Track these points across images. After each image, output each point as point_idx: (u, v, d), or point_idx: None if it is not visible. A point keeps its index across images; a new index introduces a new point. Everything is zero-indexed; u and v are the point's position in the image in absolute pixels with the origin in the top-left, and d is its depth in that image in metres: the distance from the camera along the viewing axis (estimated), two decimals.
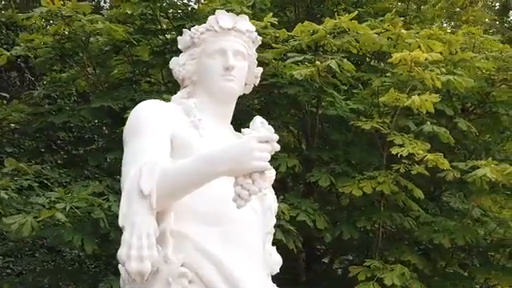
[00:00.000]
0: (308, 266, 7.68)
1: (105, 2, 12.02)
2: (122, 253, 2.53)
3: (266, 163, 2.55)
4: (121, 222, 2.58)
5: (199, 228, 2.76)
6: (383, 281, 5.81)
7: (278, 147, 2.64)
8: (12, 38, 9.28)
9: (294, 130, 7.14)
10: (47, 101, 7.47)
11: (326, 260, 8.18)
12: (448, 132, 6.13)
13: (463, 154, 7.35)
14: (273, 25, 6.11)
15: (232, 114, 3.18)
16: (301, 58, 5.77)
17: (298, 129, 7.00)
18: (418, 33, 6.45)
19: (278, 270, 3.22)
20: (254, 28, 3.21)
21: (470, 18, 8.32)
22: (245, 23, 3.16)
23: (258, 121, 2.97)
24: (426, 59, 5.88)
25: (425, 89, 6.17)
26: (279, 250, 6.02)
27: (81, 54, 6.71)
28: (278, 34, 6.01)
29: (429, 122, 6.09)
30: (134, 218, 2.55)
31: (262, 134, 2.57)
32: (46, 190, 5.85)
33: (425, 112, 5.82)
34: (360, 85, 6.81)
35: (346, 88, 6.83)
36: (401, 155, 5.73)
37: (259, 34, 5.97)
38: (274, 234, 5.60)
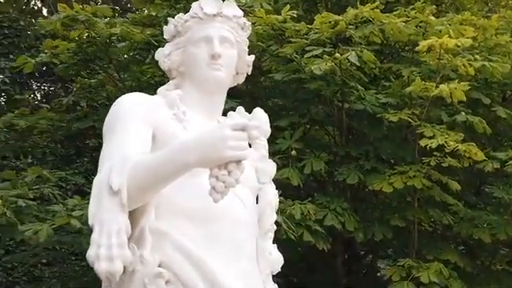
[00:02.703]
0: (349, 268, 7.43)
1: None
2: (90, 253, 2.38)
3: (241, 153, 2.36)
4: (90, 221, 2.44)
5: (181, 225, 2.59)
6: (419, 279, 5.55)
7: (256, 135, 2.45)
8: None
9: (325, 127, 6.90)
10: (89, 109, 7.44)
11: (367, 261, 7.93)
12: (484, 121, 5.81)
13: (510, 145, 7.00)
14: (293, 18, 5.91)
15: (222, 105, 2.98)
16: (319, 52, 5.54)
17: (329, 125, 6.77)
18: (449, 20, 6.16)
19: (280, 269, 3.00)
20: (241, 13, 3.00)
21: (510, 2, 7.94)
22: (231, 8, 2.96)
23: (258, 112, 2.82)
24: (456, 45, 5.58)
25: (460, 78, 5.88)
26: (314, 250, 5.88)
27: (103, 59, 6.64)
28: (298, 28, 5.80)
29: (463, 112, 5.78)
30: (104, 216, 2.40)
31: (236, 121, 2.38)
32: (71, 197, 5.81)
33: (456, 101, 5.52)
34: (392, 77, 6.55)
35: (383, 82, 6.58)
36: (433, 148, 5.46)
37: (279, 29, 5.92)
38: (301, 236, 5.50)
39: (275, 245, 2.98)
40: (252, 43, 5.78)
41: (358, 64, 5.43)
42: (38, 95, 13.52)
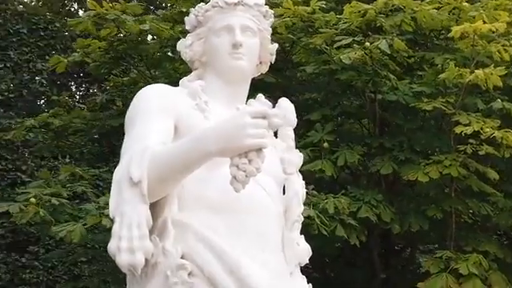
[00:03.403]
0: (387, 262, 7.32)
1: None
2: (111, 245, 2.36)
3: (261, 140, 2.31)
4: (111, 213, 2.42)
5: (205, 217, 2.55)
6: (458, 271, 5.43)
7: (278, 123, 2.39)
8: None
9: (359, 119, 6.80)
10: (124, 107, 7.48)
11: (406, 254, 7.80)
12: None
13: None
14: (323, 9, 5.83)
15: (245, 95, 2.93)
16: (349, 41, 5.45)
17: (363, 117, 6.67)
18: (484, 5, 6.01)
19: (308, 261, 2.93)
20: (263, 1, 2.95)
21: None
22: None
23: (283, 101, 2.77)
24: (490, 31, 5.45)
25: (495, 65, 5.74)
26: (350, 245, 5.79)
27: (134, 57, 6.65)
28: (327, 18, 5.72)
29: (499, 99, 5.64)
30: (125, 208, 2.38)
31: (256, 109, 2.33)
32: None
33: (491, 87, 5.39)
34: (426, 66, 6.42)
35: (418, 72, 6.46)
36: (469, 136, 5.34)
37: (308, 20, 5.84)
38: (334, 231, 5.42)
39: (302, 236, 2.92)
40: (282, 35, 5.73)
41: (389, 52, 5.32)
42: (77, 96, 13.66)
